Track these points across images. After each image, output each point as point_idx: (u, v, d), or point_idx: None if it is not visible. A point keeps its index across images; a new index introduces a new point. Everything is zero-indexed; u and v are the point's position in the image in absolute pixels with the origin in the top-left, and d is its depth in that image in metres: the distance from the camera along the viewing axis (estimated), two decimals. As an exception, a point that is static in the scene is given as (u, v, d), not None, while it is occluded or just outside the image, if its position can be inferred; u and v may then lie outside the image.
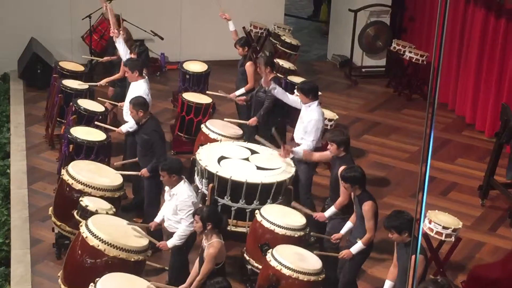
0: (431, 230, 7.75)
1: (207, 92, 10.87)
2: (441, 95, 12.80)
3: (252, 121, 9.70)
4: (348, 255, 7.25)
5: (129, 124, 8.98)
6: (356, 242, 7.23)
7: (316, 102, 8.77)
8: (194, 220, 6.84)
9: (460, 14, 12.32)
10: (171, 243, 7.37)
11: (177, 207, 7.32)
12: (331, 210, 7.75)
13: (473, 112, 12.16)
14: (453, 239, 7.77)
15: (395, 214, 6.66)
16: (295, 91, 10.34)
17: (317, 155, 8.42)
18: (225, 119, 9.88)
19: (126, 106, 9.19)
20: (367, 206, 7.11)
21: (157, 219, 7.69)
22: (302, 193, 8.73)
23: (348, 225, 7.52)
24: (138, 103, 8.38)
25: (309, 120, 8.64)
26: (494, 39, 11.51)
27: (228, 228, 8.05)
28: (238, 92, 10.52)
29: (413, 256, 3.46)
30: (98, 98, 10.26)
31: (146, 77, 9.50)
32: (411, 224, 6.49)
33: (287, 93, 9.23)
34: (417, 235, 2.61)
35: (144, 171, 8.35)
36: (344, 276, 7.43)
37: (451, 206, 9.49)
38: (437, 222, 7.73)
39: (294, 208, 7.96)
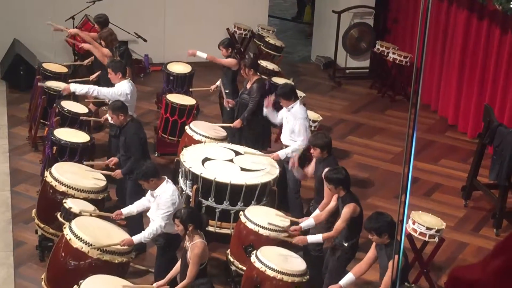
0: (415, 231, 7.79)
1: (190, 89, 10.86)
2: (424, 96, 12.85)
3: (237, 123, 9.69)
4: (303, 241, 7.31)
5: (85, 88, 9.11)
6: (342, 243, 7.25)
7: (297, 102, 8.80)
8: (174, 224, 6.83)
9: (443, 15, 12.38)
10: (137, 238, 7.21)
11: (158, 206, 7.31)
12: (316, 213, 7.76)
13: (455, 113, 12.21)
14: (436, 239, 7.81)
15: (375, 216, 6.70)
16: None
17: (323, 216, 7.61)
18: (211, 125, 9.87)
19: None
20: (347, 208, 7.14)
21: (124, 210, 7.69)
22: (291, 193, 8.76)
23: (310, 221, 7.57)
24: (117, 108, 8.35)
25: (295, 121, 8.66)
26: (477, 40, 11.57)
27: (213, 230, 8.07)
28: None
29: (396, 256, 3.47)
30: (86, 100, 10.28)
31: (129, 78, 9.49)
32: (390, 226, 6.54)
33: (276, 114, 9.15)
34: (400, 236, 2.62)
35: (117, 172, 8.32)
36: (328, 278, 7.44)
37: (435, 207, 9.53)
38: (420, 223, 7.77)
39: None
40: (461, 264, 8.35)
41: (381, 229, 6.53)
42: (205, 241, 6.75)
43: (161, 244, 7.48)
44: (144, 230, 7.52)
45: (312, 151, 7.95)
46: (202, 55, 10.67)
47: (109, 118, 8.83)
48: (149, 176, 7.31)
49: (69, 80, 10.89)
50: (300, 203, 8.84)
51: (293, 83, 10.30)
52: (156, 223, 7.25)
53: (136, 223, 8.09)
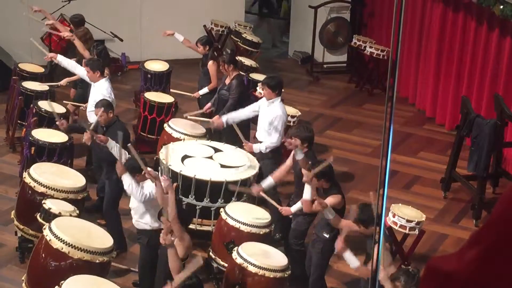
0: (395, 223, 7.82)
1: (171, 90, 10.86)
2: (402, 90, 12.91)
3: (215, 119, 9.69)
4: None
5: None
6: (323, 235, 7.25)
7: (279, 98, 8.79)
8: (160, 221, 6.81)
9: (419, 8, 12.43)
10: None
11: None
12: (297, 206, 7.73)
13: (433, 106, 12.28)
14: (417, 232, 7.85)
15: (362, 208, 6.65)
16: (258, 87, 10.37)
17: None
18: (187, 116, 9.83)
19: (89, 107, 9.08)
20: (333, 198, 7.13)
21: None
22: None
23: (269, 180, 7.91)
24: (107, 105, 8.25)
25: (275, 116, 8.62)
26: (453, 33, 11.63)
27: (194, 227, 8.06)
28: (201, 92, 10.51)
29: (376, 245, 3.49)
30: (64, 101, 10.20)
31: (108, 76, 9.44)
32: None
33: (240, 110, 9.11)
34: (378, 229, 2.62)
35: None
36: (313, 273, 7.45)
37: (414, 200, 9.58)
38: (400, 215, 7.80)
39: (262, 196, 7.90)
40: (441, 255, 8.39)
41: (369, 221, 6.49)
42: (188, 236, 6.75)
43: (143, 242, 7.46)
44: (121, 229, 7.54)
45: (292, 141, 7.83)
46: (179, 37, 10.92)
47: (88, 116, 8.79)
48: (137, 171, 7.26)
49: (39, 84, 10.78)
50: (277, 198, 8.82)
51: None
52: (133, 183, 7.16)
53: (114, 222, 8.08)
